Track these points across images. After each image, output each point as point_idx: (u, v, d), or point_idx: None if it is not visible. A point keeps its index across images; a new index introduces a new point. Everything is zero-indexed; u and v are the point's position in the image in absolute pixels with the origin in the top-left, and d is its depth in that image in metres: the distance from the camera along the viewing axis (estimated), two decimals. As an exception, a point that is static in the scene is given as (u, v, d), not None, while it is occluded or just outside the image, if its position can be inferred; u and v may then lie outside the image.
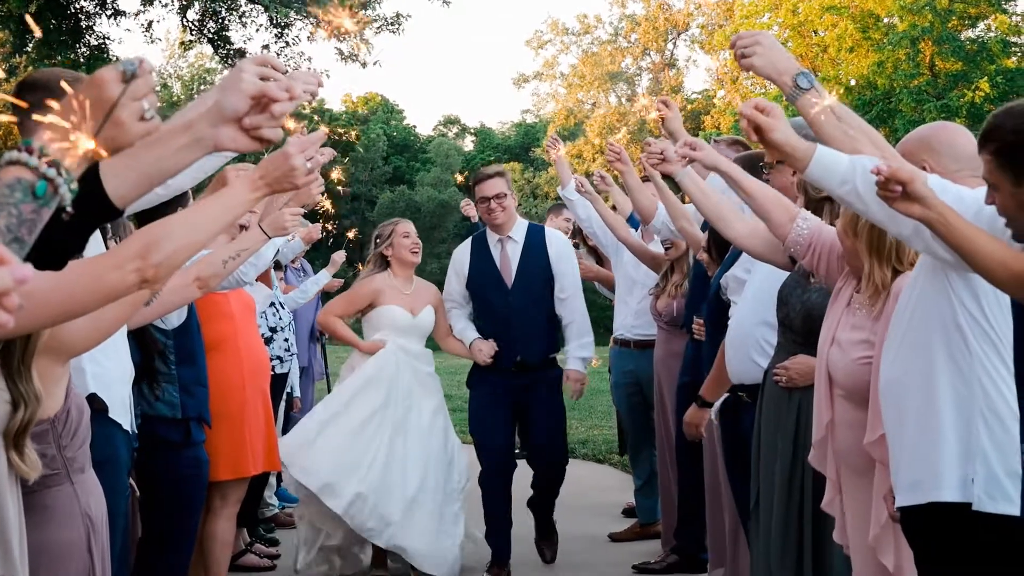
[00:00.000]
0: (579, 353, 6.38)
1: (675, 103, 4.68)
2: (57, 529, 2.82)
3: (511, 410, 6.28)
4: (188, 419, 4.41)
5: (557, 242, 6.42)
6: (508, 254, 6.32)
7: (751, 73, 3.19)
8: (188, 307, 4.41)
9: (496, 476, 6.22)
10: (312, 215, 7.61)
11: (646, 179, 5.80)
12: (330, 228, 7.96)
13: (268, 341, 6.73)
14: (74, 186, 1.63)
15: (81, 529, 2.90)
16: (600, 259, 7.83)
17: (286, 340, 7.06)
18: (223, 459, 5.00)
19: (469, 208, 9.57)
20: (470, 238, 6.59)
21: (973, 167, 3.25)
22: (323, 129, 2.18)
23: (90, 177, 1.86)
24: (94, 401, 3.69)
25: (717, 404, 5.13)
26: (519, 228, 6.38)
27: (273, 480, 7.64)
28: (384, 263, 6.36)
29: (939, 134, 3.34)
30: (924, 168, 3.14)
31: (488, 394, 6.28)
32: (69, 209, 1.64)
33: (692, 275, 5.98)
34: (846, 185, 2.88)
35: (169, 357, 4.41)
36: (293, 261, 8.71)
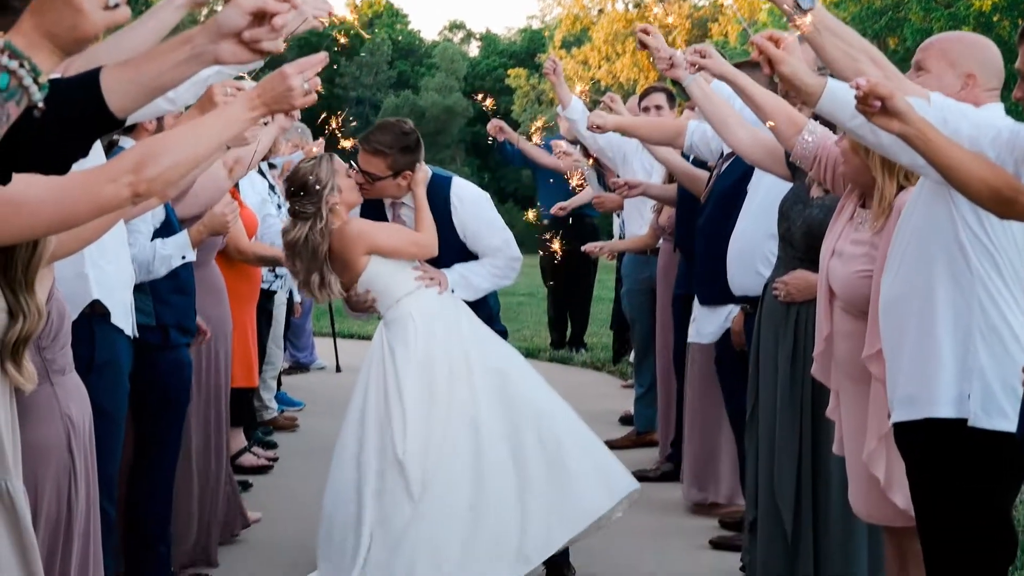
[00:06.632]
0: (463, 269, 4.60)
1: (657, 31, 4.55)
2: (35, 427, 2.84)
3: None
4: (166, 326, 4.33)
5: (463, 200, 4.64)
6: (404, 221, 4.66)
7: None
8: (167, 215, 4.34)
9: None
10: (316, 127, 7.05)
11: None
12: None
13: None
14: (43, 80, 1.65)
15: (60, 429, 2.94)
16: (601, 174, 7.75)
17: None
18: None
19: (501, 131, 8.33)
20: None
21: (999, 86, 3.23)
22: (323, 53, 2.17)
23: (91, 87, 1.90)
24: (96, 307, 3.71)
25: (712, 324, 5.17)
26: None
27: (273, 384, 7.67)
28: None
29: (985, 50, 3.27)
30: (969, 77, 3.10)
31: None
32: (40, 105, 1.66)
33: (679, 189, 5.97)
34: (857, 119, 2.85)
35: None
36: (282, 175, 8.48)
